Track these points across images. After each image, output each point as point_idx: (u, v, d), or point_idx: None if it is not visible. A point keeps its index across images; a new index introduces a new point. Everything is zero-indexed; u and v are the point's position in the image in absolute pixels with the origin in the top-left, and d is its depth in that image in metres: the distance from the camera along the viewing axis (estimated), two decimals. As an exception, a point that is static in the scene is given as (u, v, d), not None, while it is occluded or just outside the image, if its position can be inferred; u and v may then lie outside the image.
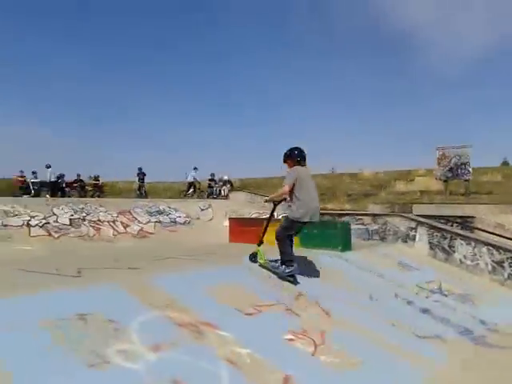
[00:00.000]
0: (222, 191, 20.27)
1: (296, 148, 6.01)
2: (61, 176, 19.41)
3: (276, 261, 5.97)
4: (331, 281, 6.36)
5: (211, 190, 21.13)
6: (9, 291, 4.06)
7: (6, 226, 12.88)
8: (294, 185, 5.68)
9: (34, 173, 18.64)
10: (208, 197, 20.30)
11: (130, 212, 16.17)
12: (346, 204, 21.45)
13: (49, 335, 3.41)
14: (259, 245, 6.29)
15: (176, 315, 4.08)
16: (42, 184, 19.10)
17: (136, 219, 15.94)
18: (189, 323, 3.98)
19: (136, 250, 11.65)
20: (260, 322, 4.39)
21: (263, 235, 6.28)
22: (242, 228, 9.88)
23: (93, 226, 14.55)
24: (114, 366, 3.21)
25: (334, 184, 28.75)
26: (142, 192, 20.97)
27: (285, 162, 6.08)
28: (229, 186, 20.70)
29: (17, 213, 13.56)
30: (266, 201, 6.80)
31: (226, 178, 21.07)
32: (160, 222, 16.44)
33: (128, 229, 15.25)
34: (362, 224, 10.57)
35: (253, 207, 17.98)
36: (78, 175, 19.88)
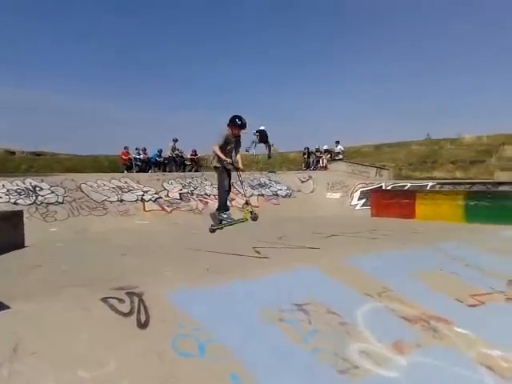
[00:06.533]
0: (321, 161, 19.42)
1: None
2: (160, 151, 19.62)
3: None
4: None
5: (308, 161, 20.40)
6: (211, 278, 3.66)
7: (122, 201, 13.16)
8: None
9: (137, 149, 19.02)
10: (307, 169, 19.61)
11: (233, 185, 15.95)
12: (455, 172, 19.76)
13: (277, 329, 2.95)
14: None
15: (397, 307, 3.47)
16: (143, 161, 19.42)
17: (240, 192, 15.71)
18: (417, 317, 3.37)
19: (251, 224, 11.28)
20: (489, 314, 3.66)
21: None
22: (388, 201, 9.15)
23: (201, 200, 14.52)
24: (368, 373, 2.67)
25: (434, 151, 26.66)
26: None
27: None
28: (328, 155, 19.80)
29: (131, 188, 13.82)
30: None
31: (325, 147, 20.18)
32: (262, 194, 16.11)
33: (233, 202, 15.06)
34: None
35: (356, 178, 17.00)
36: (175, 149, 19.91)
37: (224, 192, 8.24)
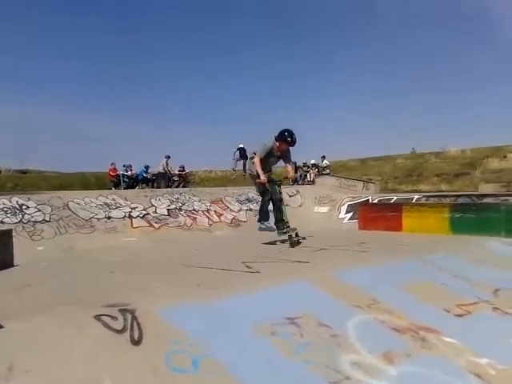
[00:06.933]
0: (309, 176, 19.62)
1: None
2: (147, 168, 19.65)
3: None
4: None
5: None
6: (202, 293, 3.69)
7: (109, 218, 13.09)
8: None
9: (125, 166, 19.02)
10: (294, 183, 19.78)
11: (221, 201, 16.02)
12: (440, 185, 20.07)
13: (270, 343, 2.99)
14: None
15: (386, 318, 3.54)
16: (131, 177, 19.42)
17: (228, 208, 15.76)
18: (406, 328, 3.43)
19: (240, 239, 11.34)
20: (476, 324, 3.74)
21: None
22: (375, 214, 9.27)
23: (189, 216, 14.50)
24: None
25: (419, 164, 27.05)
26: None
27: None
28: (315, 170, 20.02)
29: (118, 205, 13.76)
30: None
31: (312, 161, 20.39)
32: (251, 209, 16.14)
33: (222, 217, 15.09)
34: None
35: (343, 192, 17.15)
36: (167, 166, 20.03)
37: (266, 202, 8.08)
